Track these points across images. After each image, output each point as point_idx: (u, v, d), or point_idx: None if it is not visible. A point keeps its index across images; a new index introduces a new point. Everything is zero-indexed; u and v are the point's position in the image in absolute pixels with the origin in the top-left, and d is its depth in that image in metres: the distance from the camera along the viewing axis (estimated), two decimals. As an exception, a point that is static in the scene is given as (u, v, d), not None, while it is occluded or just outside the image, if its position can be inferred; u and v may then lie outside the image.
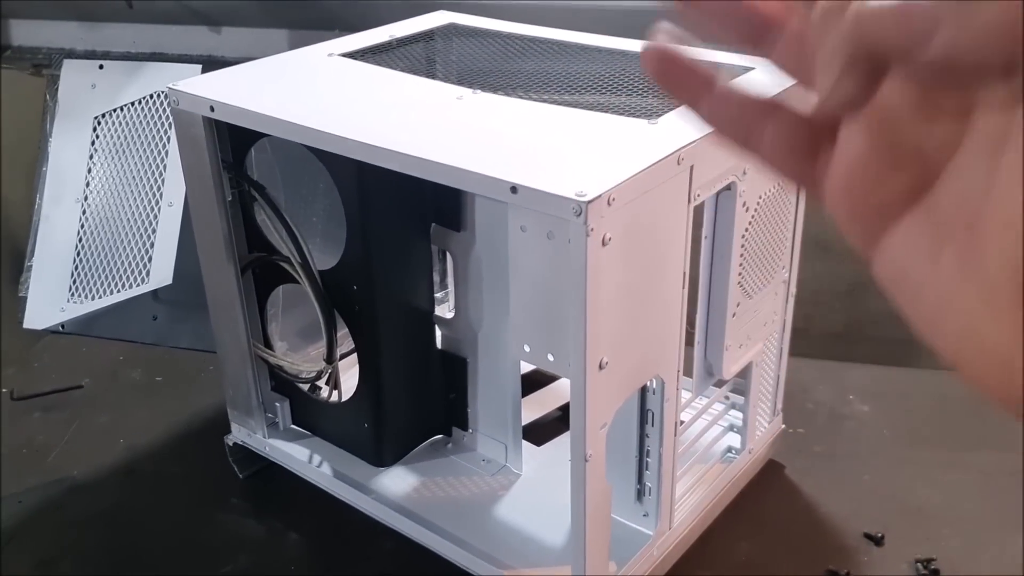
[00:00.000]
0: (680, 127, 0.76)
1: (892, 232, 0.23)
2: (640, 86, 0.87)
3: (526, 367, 1.04)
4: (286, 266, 0.95)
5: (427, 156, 0.72)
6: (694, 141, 0.72)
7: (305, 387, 1.02)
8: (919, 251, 0.22)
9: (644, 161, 0.69)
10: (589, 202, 0.64)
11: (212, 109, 0.86)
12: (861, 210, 0.24)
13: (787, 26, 0.26)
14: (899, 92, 0.22)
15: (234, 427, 1.06)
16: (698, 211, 0.79)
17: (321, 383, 1.01)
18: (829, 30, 0.22)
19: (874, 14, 0.21)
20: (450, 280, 1.16)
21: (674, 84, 0.27)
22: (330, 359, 0.96)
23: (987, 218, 0.21)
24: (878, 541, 0.96)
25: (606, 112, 0.80)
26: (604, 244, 0.66)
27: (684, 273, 0.78)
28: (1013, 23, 0.19)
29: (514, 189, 0.67)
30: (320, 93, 0.90)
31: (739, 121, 0.26)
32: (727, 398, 1.04)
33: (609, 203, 0.65)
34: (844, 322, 1.35)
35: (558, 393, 1.14)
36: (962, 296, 0.21)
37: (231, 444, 1.06)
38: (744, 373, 0.97)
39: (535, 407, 1.10)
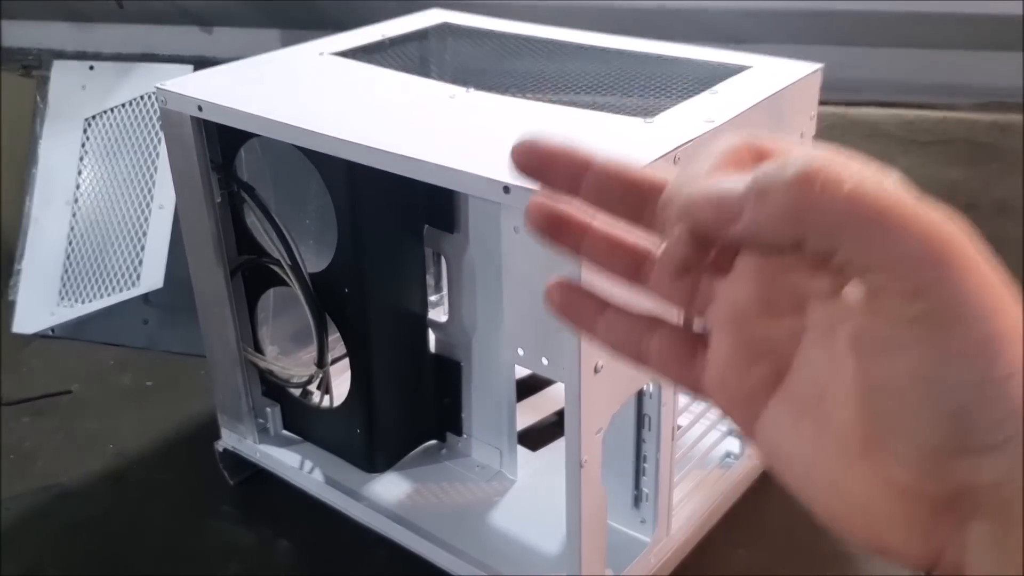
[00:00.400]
0: (676, 126, 0.74)
1: (763, 415, 0.27)
2: (635, 86, 0.86)
3: (521, 371, 1.02)
4: (276, 269, 0.93)
5: (419, 156, 0.71)
6: (690, 140, 0.71)
7: (296, 392, 1.01)
8: (785, 427, 0.27)
9: (640, 160, 0.67)
10: (584, 202, 0.62)
11: (200, 109, 0.85)
12: (735, 400, 0.28)
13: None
14: (745, 293, 0.27)
15: (224, 433, 1.05)
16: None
17: (312, 388, 0.99)
18: (668, 214, 0.27)
19: (695, 201, 0.26)
20: (444, 283, 1.14)
21: (573, 316, 0.31)
22: (321, 363, 0.94)
23: (832, 390, 0.25)
24: (879, 547, 0.94)
25: (601, 111, 0.79)
26: (599, 245, 0.65)
27: (681, 275, 0.77)
28: (796, 208, 0.23)
29: (507, 189, 0.66)
30: (310, 92, 0.89)
31: (629, 340, 0.30)
32: (725, 402, 1.03)
33: (604, 203, 0.64)
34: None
35: (554, 397, 1.13)
36: (822, 459, 0.26)
37: (221, 450, 1.05)
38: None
39: (530, 412, 1.09)
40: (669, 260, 0.27)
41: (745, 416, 0.28)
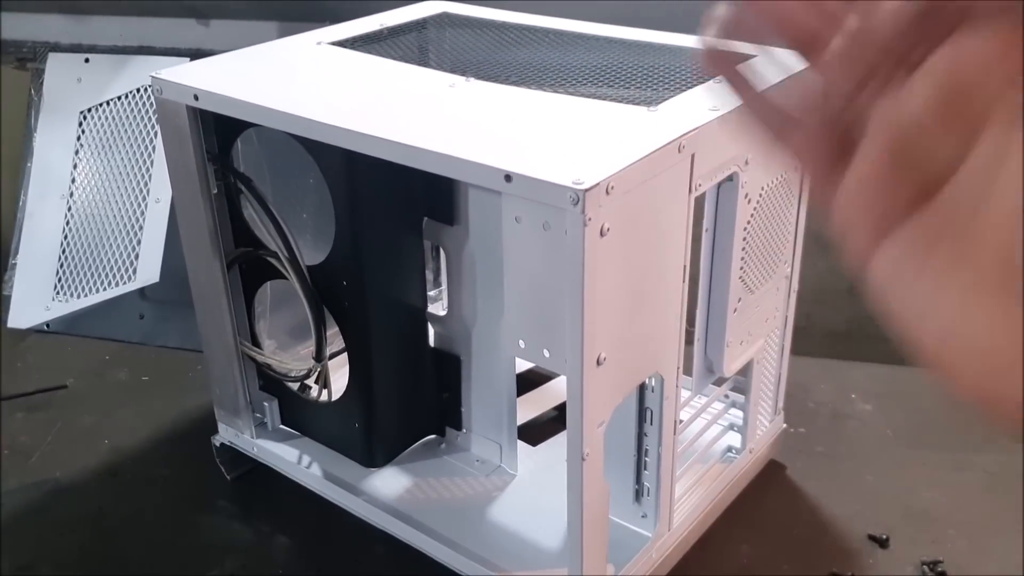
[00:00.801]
0: (681, 114, 0.73)
1: (890, 239, 0.25)
2: (638, 75, 0.85)
3: (521, 365, 1.01)
4: (273, 261, 0.92)
5: (418, 144, 0.70)
6: (696, 128, 0.70)
7: (294, 386, 1.00)
8: (912, 255, 0.24)
9: (644, 148, 0.66)
10: (587, 190, 0.61)
11: (196, 98, 0.84)
12: (866, 216, 0.26)
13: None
14: (921, 102, 0.24)
15: (221, 427, 1.03)
16: (698, 206, 0.76)
17: (310, 382, 0.98)
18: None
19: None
20: (444, 277, 1.13)
21: (724, 70, 0.29)
22: (319, 357, 0.93)
23: (988, 213, 0.23)
24: (883, 543, 0.93)
25: (604, 100, 0.78)
26: (602, 235, 0.64)
27: (684, 267, 0.76)
28: None
29: (508, 177, 0.65)
30: (308, 81, 0.87)
31: (777, 117, 0.28)
32: (727, 396, 1.02)
33: (607, 192, 0.63)
34: (846, 320, 1.33)
35: (554, 392, 1.12)
36: (948, 294, 0.23)
37: (218, 445, 1.04)
38: (745, 371, 0.94)
39: (530, 406, 1.08)
40: (876, 35, 0.24)
41: (871, 236, 0.26)
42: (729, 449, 1.00)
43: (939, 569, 0.90)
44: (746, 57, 0.29)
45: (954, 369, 0.24)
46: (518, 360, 0.93)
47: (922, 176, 0.24)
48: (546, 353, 0.73)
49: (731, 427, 1.01)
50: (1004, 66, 0.23)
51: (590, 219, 0.62)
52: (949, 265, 0.24)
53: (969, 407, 0.24)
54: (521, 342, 0.75)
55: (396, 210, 0.90)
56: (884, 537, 0.94)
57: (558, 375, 1.15)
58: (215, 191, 0.91)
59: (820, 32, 0.27)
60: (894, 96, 0.25)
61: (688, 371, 0.86)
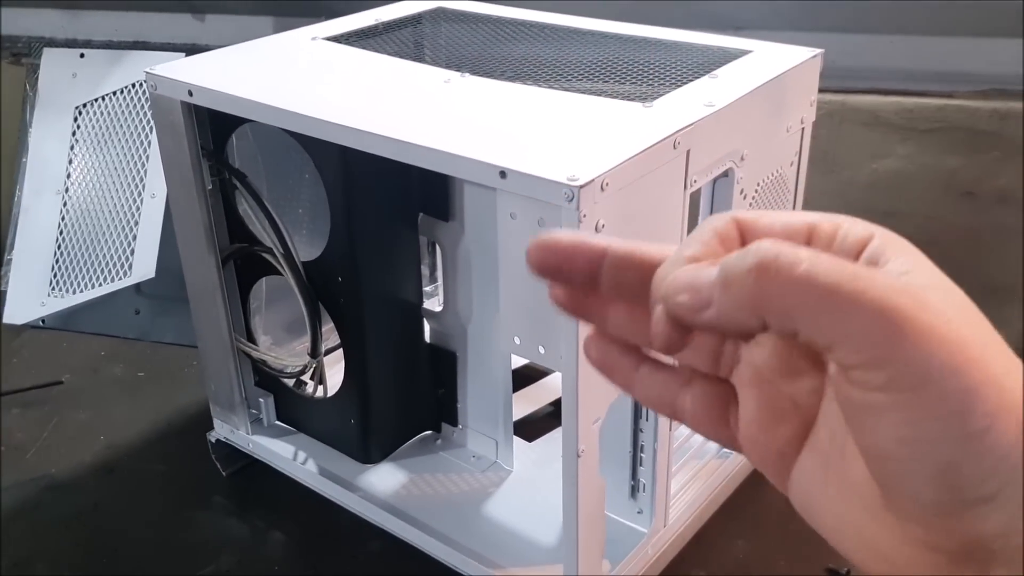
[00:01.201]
0: (676, 110, 0.73)
1: (793, 470, 0.28)
2: (634, 71, 0.84)
3: (517, 361, 1.01)
4: (269, 257, 0.92)
5: (413, 140, 0.70)
6: (691, 124, 0.70)
7: (290, 382, 0.99)
8: (814, 481, 0.27)
9: (639, 145, 0.66)
10: (582, 187, 0.61)
11: (191, 94, 0.83)
12: (766, 457, 0.29)
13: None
14: (765, 356, 0.28)
15: (217, 423, 1.03)
16: (693, 202, 0.76)
17: (306, 378, 0.98)
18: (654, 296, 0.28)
19: (674, 287, 0.27)
20: (439, 274, 1.13)
21: (610, 371, 0.32)
22: (315, 353, 0.93)
23: (849, 447, 0.26)
24: (878, 538, 0.93)
25: (599, 96, 0.78)
26: (597, 231, 0.64)
27: (680, 262, 0.76)
28: (755, 294, 0.24)
29: (503, 174, 0.64)
30: (303, 77, 0.87)
31: (663, 397, 0.31)
32: (723, 392, 1.02)
33: (602, 188, 0.63)
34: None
35: (550, 388, 1.12)
36: (849, 512, 0.26)
37: (214, 441, 1.04)
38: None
39: (526, 403, 1.08)
40: (655, 339, 0.28)
41: (777, 471, 0.29)
42: (725, 445, 1.00)
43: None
44: (630, 355, 0.32)
45: (874, 572, 0.27)
46: (514, 356, 0.93)
47: (793, 415, 0.28)
48: (541, 350, 0.73)
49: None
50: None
51: (585, 215, 0.62)
52: (842, 489, 0.27)
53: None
54: (516, 339, 0.74)
55: (391, 206, 0.89)
56: (880, 532, 0.94)
57: (554, 371, 1.15)
58: (210, 187, 0.90)
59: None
60: (748, 355, 0.29)
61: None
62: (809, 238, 0.27)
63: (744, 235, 0.28)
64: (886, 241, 0.26)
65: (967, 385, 0.23)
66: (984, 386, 0.23)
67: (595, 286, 0.30)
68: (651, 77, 0.81)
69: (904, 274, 0.25)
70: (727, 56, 0.86)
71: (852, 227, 0.27)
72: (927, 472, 0.24)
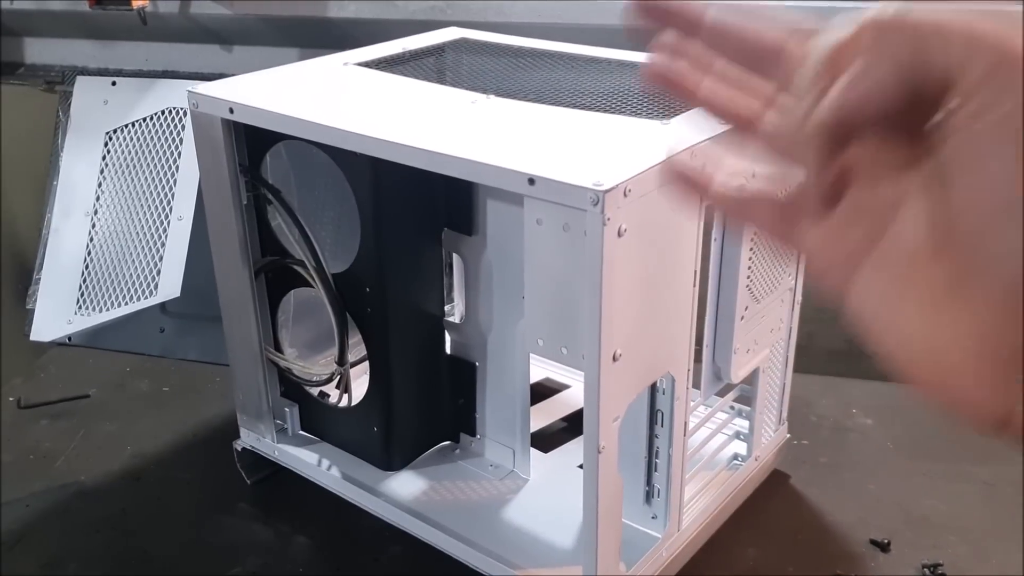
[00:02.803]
0: (692, 128, 0.77)
1: (857, 276, 0.29)
2: (652, 95, 0.89)
3: (532, 376, 1.05)
4: (300, 269, 0.96)
5: (445, 151, 0.74)
6: (707, 139, 0.74)
7: (315, 392, 1.03)
8: (876, 286, 0.29)
9: (659, 156, 0.71)
10: (606, 192, 0.65)
11: (231, 111, 0.88)
12: (833, 261, 0.30)
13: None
14: (854, 155, 0.29)
15: (243, 432, 1.07)
16: (707, 213, 0.80)
17: (331, 388, 1.02)
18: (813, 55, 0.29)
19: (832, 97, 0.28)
20: (456, 289, 1.17)
21: (681, 183, 0.34)
22: (341, 361, 0.97)
23: (924, 248, 0.27)
24: (884, 547, 0.96)
25: (619, 114, 0.82)
26: (620, 235, 0.68)
27: (695, 271, 0.80)
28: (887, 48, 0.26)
29: (532, 181, 0.69)
30: (337, 96, 0.92)
31: (738, 198, 0.33)
32: (732, 407, 1.05)
33: (625, 194, 0.67)
34: (846, 339, 1.37)
35: (564, 403, 1.15)
36: (909, 313, 0.28)
37: (240, 449, 1.07)
38: (751, 380, 0.98)
39: (541, 416, 1.11)
40: (819, 116, 0.28)
41: (840, 278, 0.30)
42: (735, 457, 1.03)
43: (939, 572, 0.93)
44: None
45: (923, 377, 0.28)
46: (536, 359, 0.97)
47: (869, 222, 0.29)
48: (564, 350, 0.77)
49: (737, 435, 1.04)
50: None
51: (609, 219, 0.66)
52: (905, 290, 0.28)
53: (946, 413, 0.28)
54: (540, 340, 0.78)
55: (418, 221, 0.94)
56: (886, 542, 0.97)
57: (567, 387, 1.18)
58: (245, 202, 0.95)
59: (755, 112, 0.33)
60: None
61: (695, 385, 0.89)
62: None
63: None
64: None
65: None
66: None
67: (696, 31, 0.31)
68: (667, 98, 0.86)
69: None
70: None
71: None
72: (1019, 237, 0.24)
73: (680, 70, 0.33)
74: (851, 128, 0.28)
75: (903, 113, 0.27)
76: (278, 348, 1.03)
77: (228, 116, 0.89)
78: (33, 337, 1.41)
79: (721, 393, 0.97)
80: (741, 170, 0.34)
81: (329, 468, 1.01)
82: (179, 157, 1.42)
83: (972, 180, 0.25)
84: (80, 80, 1.50)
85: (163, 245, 1.41)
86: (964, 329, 0.26)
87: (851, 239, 0.29)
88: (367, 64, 1.01)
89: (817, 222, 0.30)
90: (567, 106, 0.86)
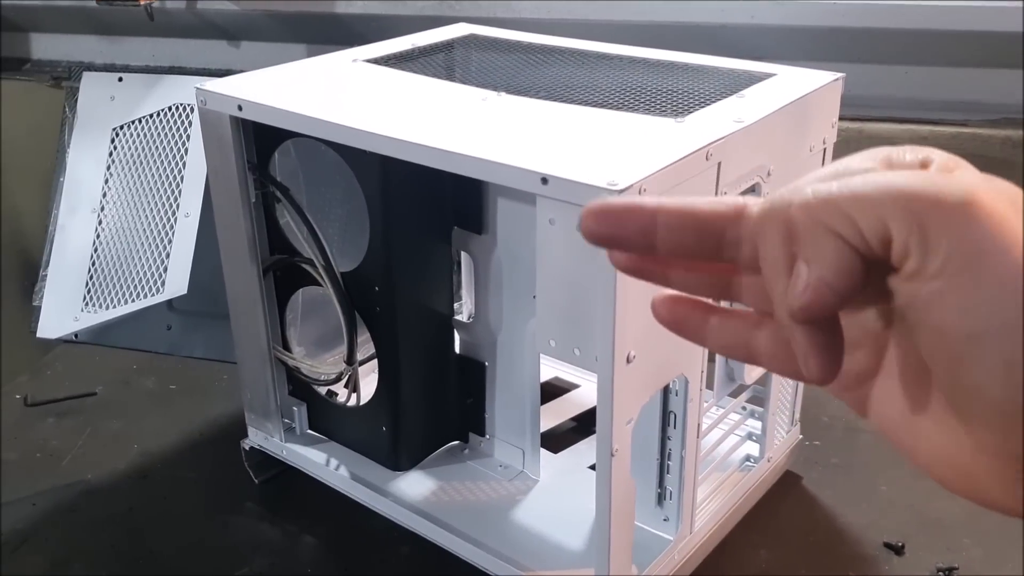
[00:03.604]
0: (708, 125, 0.76)
1: (871, 395, 0.30)
2: (664, 90, 0.88)
3: (541, 376, 1.04)
4: (308, 268, 0.95)
5: (456, 149, 0.73)
6: (722, 138, 0.73)
7: (323, 391, 1.02)
8: (891, 403, 0.29)
9: (673, 155, 0.70)
10: (621, 191, 0.64)
11: (240, 108, 0.87)
12: (845, 385, 0.31)
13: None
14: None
15: (251, 431, 1.06)
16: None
17: (339, 387, 1.01)
18: (768, 242, 0.28)
19: (790, 300, 0.28)
20: (464, 289, 1.16)
21: (682, 327, 0.33)
22: (350, 361, 0.96)
23: (923, 367, 0.28)
24: (898, 550, 0.95)
25: (632, 112, 0.81)
26: (634, 235, 0.67)
27: (709, 271, 0.79)
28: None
29: (545, 180, 0.68)
30: (346, 94, 0.91)
31: (738, 341, 0.32)
32: (744, 408, 1.04)
33: (640, 193, 0.66)
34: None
35: (574, 402, 1.14)
36: (926, 429, 0.28)
37: (247, 448, 1.06)
38: (763, 380, 0.97)
39: (550, 416, 1.10)
40: (809, 368, 0.28)
41: (856, 398, 0.31)
42: (747, 458, 1.02)
43: (955, 575, 0.92)
44: (700, 307, 0.33)
45: (952, 486, 0.29)
46: (547, 359, 0.96)
47: (868, 343, 0.30)
48: (576, 351, 0.76)
49: (749, 437, 1.03)
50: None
51: (623, 219, 0.65)
52: (918, 408, 0.29)
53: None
54: (552, 341, 0.77)
55: (427, 219, 0.93)
56: (900, 544, 0.96)
57: (577, 386, 1.17)
58: (254, 199, 0.94)
59: (729, 280, 0.33)
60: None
61: (709, 384, 0.88)
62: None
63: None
64: (949, 157, 0.28)
65: (1020, 262, 0.24)
66: None
67: (652, 249, 0.30)
68: (681, 96, 0.85)
69: (956, 172, 0.27)
70: (753, 79, 0.89)
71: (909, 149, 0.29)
72: (991, 367, 0.25)
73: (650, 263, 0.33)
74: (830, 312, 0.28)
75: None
76: (286, 347, 1.02)
77: (236, 113, 0.88)
78: (40, 334, 1.41)
79: (734, 394, 0.96)
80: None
81: (337, 468, 1.00)
82: (186, 153, 1.41)
83: (932, 324, 0.26)
84: (87, 76, 1.50)
85: (170, 242, 1.40)
86: (978, 447, 0.27)
87: (855, 362, 0.30)
88: (376, 61, 1.00)
89: None
90: (579, 103, 0.85)
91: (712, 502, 0.95)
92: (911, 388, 0.29)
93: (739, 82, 0.88)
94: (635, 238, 0.30)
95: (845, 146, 1.23)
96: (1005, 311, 0.24)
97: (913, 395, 0.29)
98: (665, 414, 0.86)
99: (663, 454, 0.88)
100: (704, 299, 0.33)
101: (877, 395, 0.30)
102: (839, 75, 0.90)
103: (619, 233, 0.30)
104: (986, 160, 1.25)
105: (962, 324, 0.25)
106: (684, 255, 0.31)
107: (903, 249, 0.25)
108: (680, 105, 0.82)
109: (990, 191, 0.25)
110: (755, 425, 1.03)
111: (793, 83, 0.88)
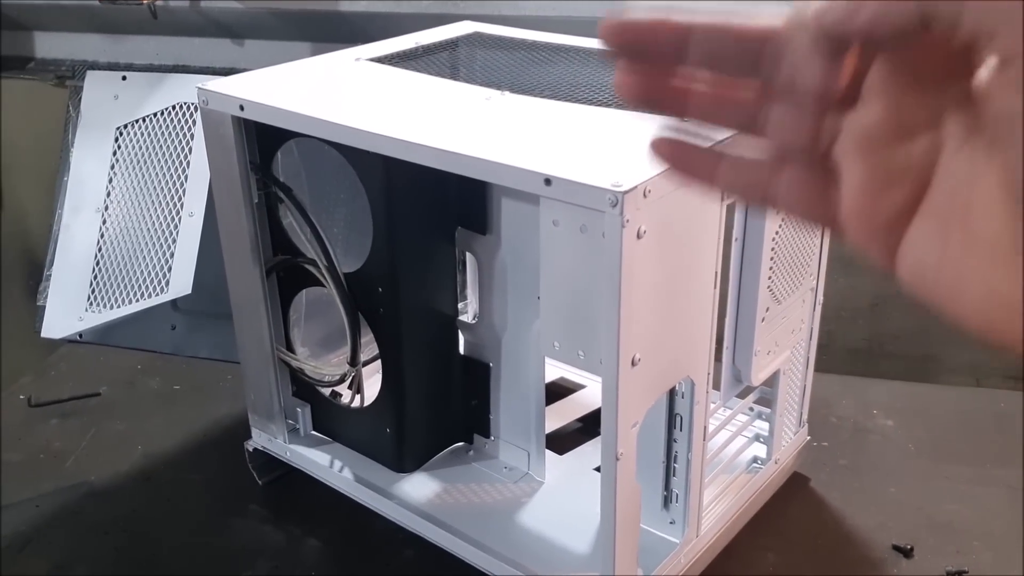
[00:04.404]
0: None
1: (905, 239, 0.27)
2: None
3: (546, 377, 1.03)
4: (311, 268, 0.94)
5: (459, 150, 0.72)
6: (728, 137, 0.72)
7: (327, 392, 1.02)
8: (931, 245, 0.26)
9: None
10: (625, 193, 0.63)
11: (242, 108, 0.86)
12: (874, 230, 0.28)
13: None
14: (876, 118, 0.27)
15: (255, 432, 1.05)
16: (728, 215, 0.78)
17: (343, 388, 1.00)
18: (796, 44, 0.27)
19: (822, 8, 0.26)
20: (470, 289, 1.15)
21: (688, 168, 0.31)
22: (354, 362, 0.95)
23: (978, 200, 0.25)
24: (907, 553, 0.94)
25: (638, 112, 0.80)
26: (639, 237, 0.66)
27: (716, 273, 0.78)
28: None
29: (548, 181, 0.67)
30: (349, 93, 0.90)
31: (754, 183, 0.30)
32: (752, 409, 1.03)
33: (645, 195, 0.65)
34: (866, 338, 1.34)
35: (579, 403, 1.14)
36: (974, 267, 0.25)
37: (251, 449, 1.06)
38: (771, 381, 0.96)
39: (555, 417, 1.09)
40: (805, 79, 0.26)
41: (886, 244, 0.28)
42: (755, 460, 1.01)
43: (964, 579, 0.91)
44: (708, 153, 0.31)
45: (999, 328, 0.26)
46: (552, 362, 0.95)
47: (906, 178, 0.27)
48: (581, 354, 0.75)
49: (757, 438, 1.02)
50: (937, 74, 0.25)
51: (628, 221, 0.64)
52: (966, 246, 0.26)
53: (991, 425, 0.26)
54: (556, 344, 0.76)
55: (431, 219, 0.92)
56: (908, 547, 0.95)
57: (583, 387, 1.17)
58: (256, 200, 0.93)
59: (757, 107, 0.30)
60: (853, 122, 0.28)
61: (716, 385, 0.88)
62: None
63: None
64: None
65: None
66: None
67: (672, 66, 0.28)
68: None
69: None
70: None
71: None
72: None
73: (660, 83, 0.31)
74: (855, 38, 0.26)
75: (919, 57, 0.25)
76: (290, 347, 1.01)
77: (238, 113, 0.87)
78: (44, 334, 1.41)
79: (741, 395, 0.95)
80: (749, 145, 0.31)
81: (341, 470, 1.00)
82: (190, 153, 1.40)
83: (1018, 142, 0.23)
84: (90, 75, 1.49)
85: (174, 241, 1.40)
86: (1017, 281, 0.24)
87: (891, 201, 0.27)
88: (379, 59, 0.99)
89: (849, 190, 0.28)
90: (584, 102, 0.84)
91: (719, 504, 0.95)
92: (957, 228, 0.26)
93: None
94: (663, 47, 0.28)
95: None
96: None
97: (959, 234, 0.26)
98: (671, 416, 0.85)
99: (669, 457, 0.87)
100: (712, 148, 0.30)
101: (913, 238, 0.27)
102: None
103: (646, 41, 0.28)
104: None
105: None
106: (719, 66, 0.29)
107: (1011, 46, 0.22)
108: (686, 104, 0.81)
109: None
110: (762, 426, 1.02)
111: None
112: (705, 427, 0.85)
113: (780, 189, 0.29)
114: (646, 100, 0.30)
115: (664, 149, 0.31)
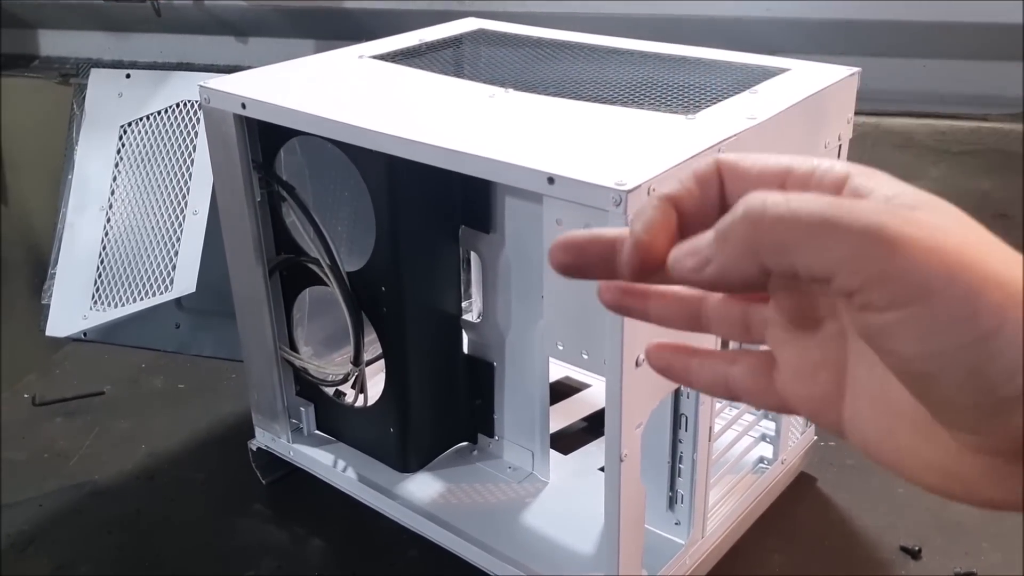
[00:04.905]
0: (719, 122, 0.75)
1: (843, 414, 0.29)
2: (675, 86, 0.86)
3: (550, 376, 1.03)
4: (314, 267, 0.94)
5: (462, 148, 0.71)
6: (734, 135, 0.71)
7: (330, 391, 1.01)
8: (865, 419, 0.29)
9: (683, 153, 0.68)
10: (629, 191, 0.63)
11: (244, 106, 0.86)
12: (815, 409, 0.30)
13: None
14: (782, 311, 0.30)
15: (258, 432, 1.05)
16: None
17: (346, 387, 1.00)
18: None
19: (675, 257, 0.29)
20: (473, 288, 1.15)
21: (673, 372, 0.35)
22: (357, 361, 0.95)
23: (889, 378, 0.27)
24: (915, 554, 0.93)
25: (642, 108, 0.79)
26: (643, 236, 0.65)
27: (721, 272, 0.77)
28: (750, 240, 0.26)
29: (551, 180, 0.66)
30: (352, 91, 0.90)
31: (717, 381, 0.33)
32: (757, 409, 1.02)
33: (649, 194, 0.64)
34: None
35: (583, 403, 1.13)
36: (905, 440, 0.27)
37: (255, 449, 1.05)
38: (777, 381, 0.95)
39: (560, 417, 1.09)
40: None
41: (829, 419, 0.30)
42: (761, 460, 1.01)
43: (972, 580, 0.90)
44: (686, 351, 0.35)
45: (946, 492, 0.28)
46: (555, 362, 0.94)
47: (828, 363, 0.29)
48: (584, 355, 0.75)
49: (763, 438, 1.01)
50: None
51: (631, 220, 0.63)
52: (893, 420, 0.28)
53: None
54: (560, 344, 0.76)
55: (434, 218, 0.91)
56: (916, 548, 0.94)
57: (588, 386, 1.16)
58: (259, 199, 0.93)
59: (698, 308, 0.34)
60: (769, 315, 0.31)
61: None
62: (784, 180, 0.29)
63: (724, 177, 0.31)
64: (866, 175, 0.28)
65: (968, 288, 0.23)
66: (986, 286, 0.23)
67: (614, 274, 0.32)
68: (692, 91, 0.83)
69: (891, 199, 0.26)
70: (766, 73, 0.87)
71: (830, 167, 0.28)
72: (956, 380, 0.24)
73: (632, 287, 0.34)
74: (706, 287, 0.29)
75: (783, 283, 0.27)
76: (293, 346, 1.01)
77: (241, 112, 0.86)
78: (49, 332, 1.41)
79: (746, 395, 0.94)
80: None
81: (345, 469, 0.99)
82: (194, 151, 1.40)
83: (889, 348, 0.25)
84: (94, 73, 1.49)
85: (178, 240, 1.39)
86: (959, 448, 0.26)
87: (822, 382, 0.30)
88: (383, 57, 0.99)
89: (783, 378, 0.31)
90: (588, 100, 0.83)
91: (725, 505, 0.94)
92: (880, 405, 0.28)
93: (752, 77, 0.86)
94: (598, 265, 0.31)
95: (861, 141, 1.22)
96: (960, 332, 0.23)
97: (884, 411, 0.28)
98: (676, 416, 0.84)
99: (674, 457, 0.86)
100: (686, 344, 0.34)
101: (849, 416, 0.29)
102: (855, 69, 0.88)
103: (581, 262, 0.32)
104: (1006, 155, 1.23)
105: (920, 348, 0.24)
106: (649, 277, 0.32)
107: (849, 283, 0.24)
108: (691, 101, 0.80)
109: (935, 217, 0.25)
110: (769, 426, 1.01)
111: (808, 78, 0.86)
112: (711, 427, 0.85)
113: (737, 381, 0.32)
114: (618, 309, 0.34)
115: (652, 358, 0.35)
